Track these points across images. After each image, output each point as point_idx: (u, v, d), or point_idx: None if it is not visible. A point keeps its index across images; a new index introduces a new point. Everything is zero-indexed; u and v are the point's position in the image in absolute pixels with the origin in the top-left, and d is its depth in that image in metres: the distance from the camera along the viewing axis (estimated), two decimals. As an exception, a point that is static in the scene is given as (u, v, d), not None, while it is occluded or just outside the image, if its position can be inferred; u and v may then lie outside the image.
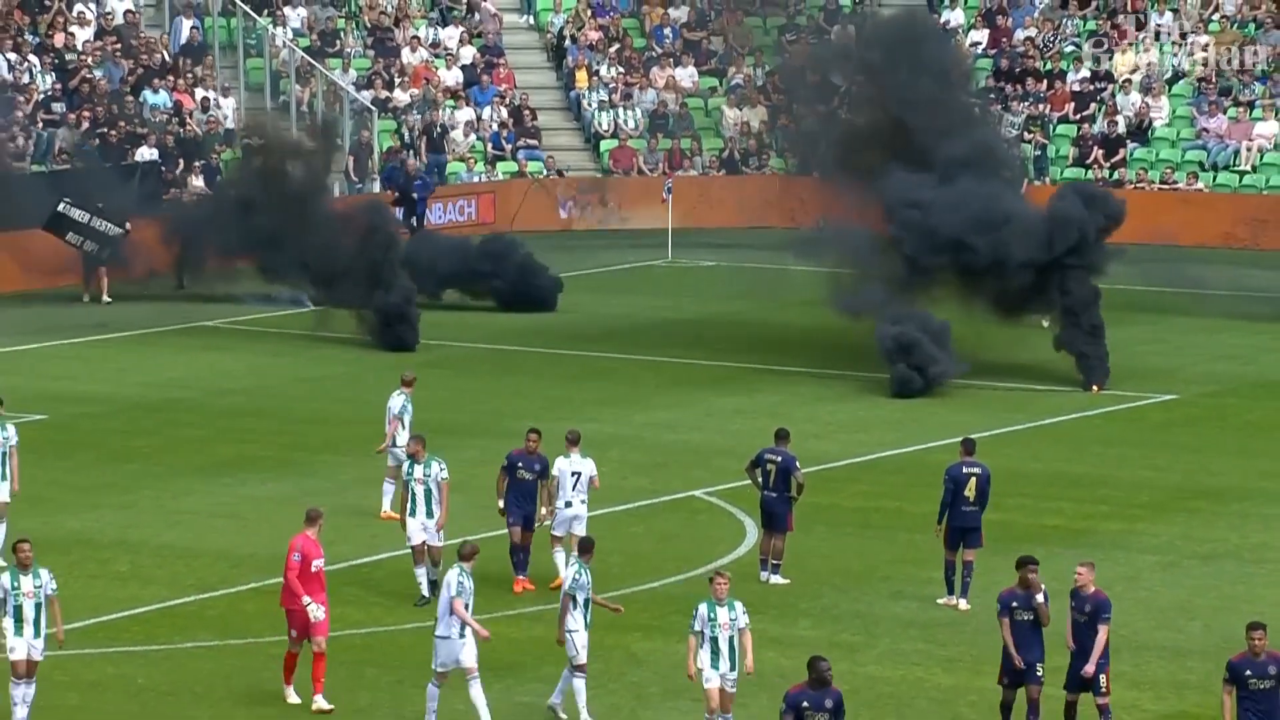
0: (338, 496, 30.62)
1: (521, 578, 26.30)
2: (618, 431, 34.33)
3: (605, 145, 55.10)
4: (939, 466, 32.09)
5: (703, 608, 21.20)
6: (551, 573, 26.13)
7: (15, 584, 21.49)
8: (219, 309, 44.00)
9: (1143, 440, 34.64)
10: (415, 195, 49.81)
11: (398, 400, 29.43)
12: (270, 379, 38.75)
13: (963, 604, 25.96)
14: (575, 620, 22.15)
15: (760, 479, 26.85)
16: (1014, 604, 21.62)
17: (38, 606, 21.53)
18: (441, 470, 25.83)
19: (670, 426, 35.29)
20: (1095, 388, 37.71)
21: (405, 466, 25.98)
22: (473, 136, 53.72)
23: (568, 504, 26.20)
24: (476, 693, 21.72)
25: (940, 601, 26.04)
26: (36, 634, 21.52)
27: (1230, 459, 33.40)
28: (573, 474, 26.21)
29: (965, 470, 26.00)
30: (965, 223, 38.03)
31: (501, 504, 26.29)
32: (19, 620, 21.42)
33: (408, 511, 25.80)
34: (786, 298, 42.82)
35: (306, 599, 22.32)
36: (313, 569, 22.47)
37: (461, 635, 21.79)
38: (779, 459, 26.82)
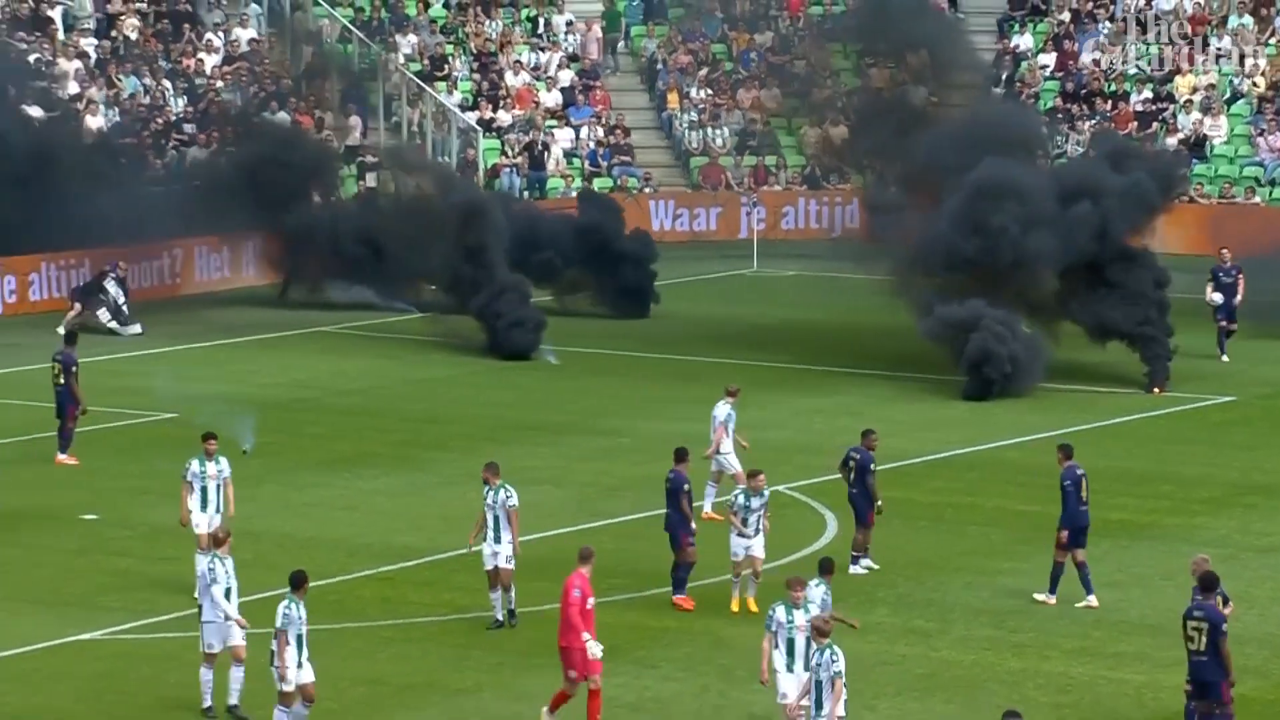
0: (445, 490, 30.75)
1: (683, 596, 25.35)
2: (707, 430, 34.28)
3: (695, 162, 55.14)
4: (1010, 464, 32.00)
5: (779, 610, 20.51)
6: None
7: (300, 612, 20.75)
8: (339, 315, 44.21)
9: (1202, 439, 34.36)
10: None
11: (723, 409, 29.02)
12: (384, 380, 38.91)
13: (1093, 600, 25.37)
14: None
15: (847, 476, 26.82)
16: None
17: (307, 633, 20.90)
18: (510, 497, 24.37)
19: (756, 425, 35.18)
20: (1157, 390, 37.41)
21: (485, 492, 24.65)
22: (558, 151, 53.71)
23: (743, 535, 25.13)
24: None
25: (1040, 598, 25.43)
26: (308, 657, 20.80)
27: (1285, 457, 33.14)
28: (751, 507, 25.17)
29: (1079, 472, 25.46)
30: (954, 245, 36.85)
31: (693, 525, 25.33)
32: (300, 647, 20.73)
33: (479, 537, 24.60)
34: (861, 304, 42.59)
35: (586, 635, 21.10)
36: (587, 605, 21.26)
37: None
38: (859, 457, 26.77)
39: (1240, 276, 40.15)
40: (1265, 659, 23.68)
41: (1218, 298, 39.76)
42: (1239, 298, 40.07)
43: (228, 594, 21.74)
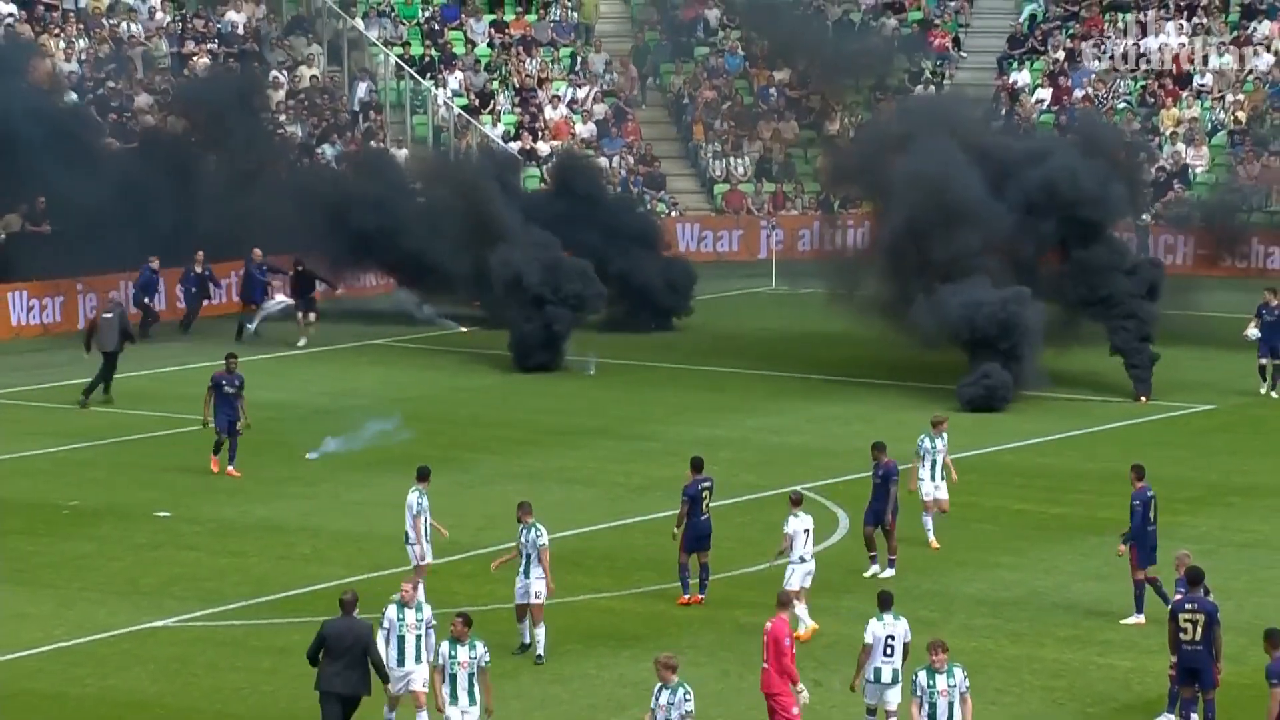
0: (487, 489, 30.77)
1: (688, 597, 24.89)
2: (730, 435, 34.32)
3: (718, 188, 55.21)
4: (1007, 466, 31.85)
5: (921, 675, 18.74)
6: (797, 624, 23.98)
7: (453, 653, 19.34)
8: (388, 329, 44.26)
9: (1185, 444, 34.27)
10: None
11: (927, 441, 27.66)
12: (431, 389, 38.92)
13: (1137, 619, 24.57)
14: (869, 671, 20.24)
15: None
16: None
17: (470, 676, 19.23)
18: (540, 536, 23.09)
19: (775, 430, 35.22)
20: (1143, 398, 37.29)
21: (519, 530, 23.48)
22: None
23: (802, 559, 23.91)
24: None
25: (1128, 622, 24.57)
26: (471, 702, 19.21)
27: (1262, 460, 33.02)
28: (804, 531, 24.11)
29: (1149, 494, 24.65)
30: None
31: (677, 530, 24.82)
32: (454, 689, 19.21)
33: (512, 566, 23.59)
34: (870, 319, 42.55)
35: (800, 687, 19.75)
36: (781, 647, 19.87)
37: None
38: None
39: None
40: (1242, 646, 23.57)
41: (1254, 333, 38.11)
42: None
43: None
